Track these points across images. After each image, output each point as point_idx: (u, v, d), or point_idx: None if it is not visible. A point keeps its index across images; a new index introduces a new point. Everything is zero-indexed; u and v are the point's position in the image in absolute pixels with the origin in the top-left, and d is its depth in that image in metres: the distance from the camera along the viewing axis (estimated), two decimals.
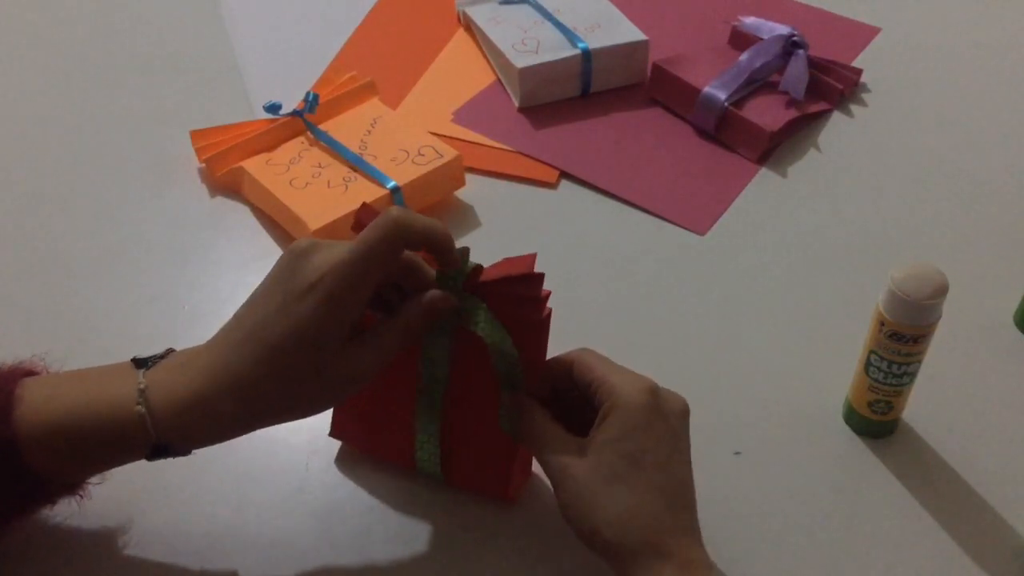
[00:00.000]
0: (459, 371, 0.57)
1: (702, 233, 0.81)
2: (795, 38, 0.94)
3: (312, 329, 0.48)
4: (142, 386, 0.50)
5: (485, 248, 0.78)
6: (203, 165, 0.84)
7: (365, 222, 0.51)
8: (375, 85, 0.90)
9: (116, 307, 0.74)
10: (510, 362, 0.54)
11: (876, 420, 0.63)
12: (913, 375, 0.61)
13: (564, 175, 0.87)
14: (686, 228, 0.81)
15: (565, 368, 0.55)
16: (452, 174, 0.82)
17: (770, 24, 0.97)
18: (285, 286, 0.49)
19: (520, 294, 0.53)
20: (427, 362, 0.57)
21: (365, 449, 0.63)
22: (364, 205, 0.55)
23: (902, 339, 0.58)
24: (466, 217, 0.82)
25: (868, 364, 0.61)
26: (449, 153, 0.82)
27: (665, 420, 0.51)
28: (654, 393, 0.52)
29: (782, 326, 0.72)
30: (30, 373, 0.54)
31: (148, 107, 0.94)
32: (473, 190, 0.84)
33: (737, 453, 0.63)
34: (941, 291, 0.56)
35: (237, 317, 0.51)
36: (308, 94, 0.85)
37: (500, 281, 0.53)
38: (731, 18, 1.00)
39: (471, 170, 0.85)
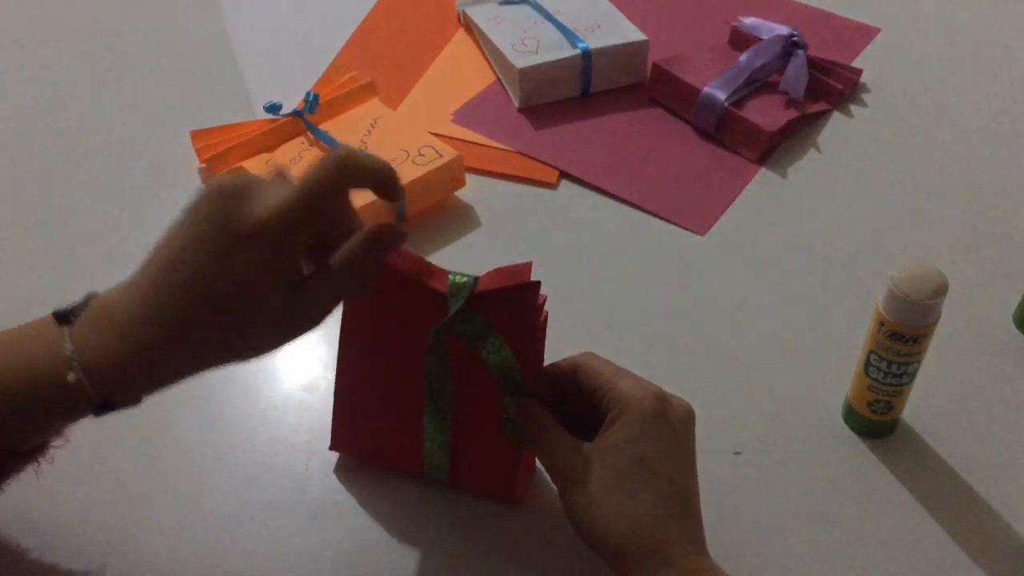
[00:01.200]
0: (463, 374, 0.57)
1: (702, 233, 0.81)
2: (795, 38, 0.94)
3: (255, 278, 0.46)
4: (69, 352, 0.46)
5: (485, 248, 0.79)
6: (203, 165, 0.84)
7: None
8: (375, 85, 0.90)
9: None
10: (510, 370, 0.55)
11: (876, 420, 0.63)
12: (913, 375, 0.61)
13: (564, 175, 0.87)
14: (686, 228, 0.81)
15: (569, 372, 0.54)
16: (452, 174, 0.82)
17: (770, 24, 0.97)
18: (222, 229, 0.46)
19: (518, 303, 0.53)
20: (434, 365, 0.56)
21: (368, 458, 0.62)
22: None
23: (902, 339, 0.58)
24: (466, 217, 0.82)
25: (868, 364, 0.61)
26: (449, 153, 0.82)
27: (672, 427, 0.51)
28: (661, 399, 0.51)
29: (782, 326, 0.72)
30: None
31: (148, 107, 0.94)
32: (473, 190, 0.84)
33: (737, 453, 0.63)
34: (941, 291, 0.56)
35: (166, 259, 0.48)
36: (308, 94, 0.85)
37: (498, 292, 0.53)
38: (731, 18, 1.00)
39: (471, 170, 0.85)
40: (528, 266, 0.53)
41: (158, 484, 0.61)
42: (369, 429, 0.61)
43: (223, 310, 0.46)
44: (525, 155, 0.88)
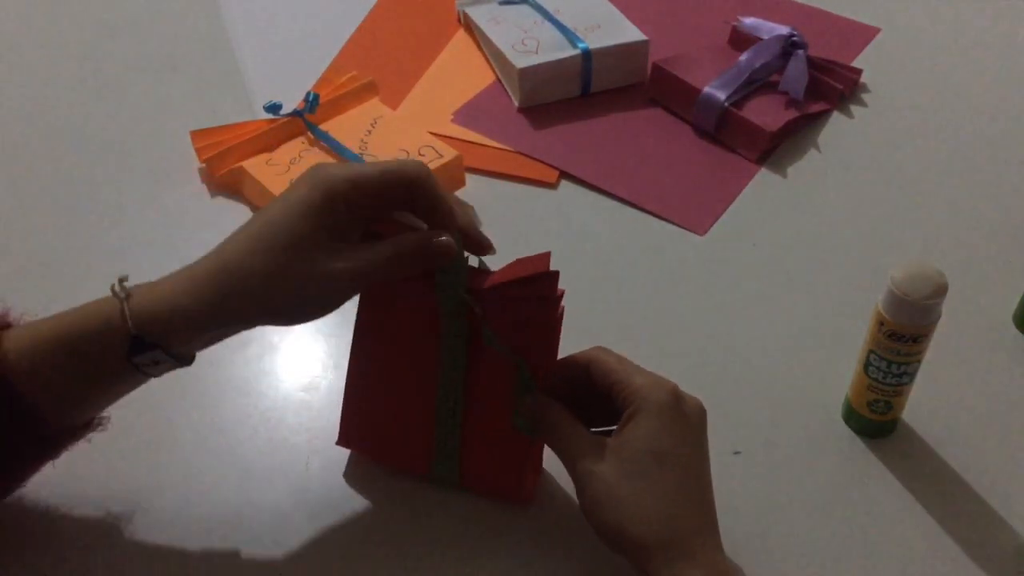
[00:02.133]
0: (472, 374, 0.57)
1: (702, 233, 0.81)
2: (795, 38, 0.94)
3: (293, 216, 0.49)
4: (117, 287, 0.51)
5: None
6: (203, 165, 0.84)
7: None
8: (375, 85, 0.90)
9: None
10: (513, 358, 0.55)
11: (876, 420, 0.63)
12: (912, 375, 0.61)
13: (564, 175, 0.87)
14: (686, 228, 0.81)
15: (582, 366, 0.55)
16: (452, 174, 0.82)
17: (770, 24, 0.97)
18: (296, 181, 0.51)
19: (535, 294, 0.53)
20: (446, 365, 0.56)
21: (375, 457, 0.62)
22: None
23: (902, 339, 0.58)
24: None
25: (868, 364, 0.61)
26: (449, 153, 0.82)
27: (687, 422, 0.52)
28: (677, 395, 0.52)
29: (782, 326, 0.72)
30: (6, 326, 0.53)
31: (148, 107, 0.94)
32: (473, 190, 0.84)
33: (737, 453, 0.63)
34: (941, 291, 0.56)
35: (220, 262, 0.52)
36: (308, 94, 0.85)
37: (514, 283, 0.53)
38: (731, 18, 1.00)
39: (471, 170, 0.85)
40: (547, 256, 0.53)
41: (156, 482, 0.61)
42: (378, 426, 0.61)
43: (263, 242, 0.50)
44: (525, 155, 0.88)
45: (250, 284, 0.50)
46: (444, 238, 0.52)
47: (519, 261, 0.54)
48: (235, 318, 0.52)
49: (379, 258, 0.52)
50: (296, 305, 0.52)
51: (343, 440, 0.62)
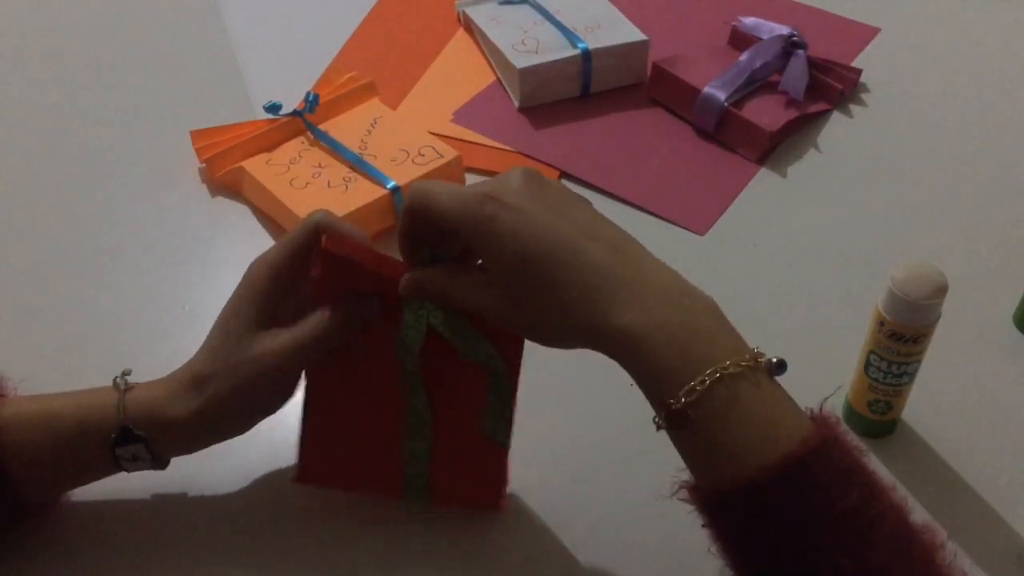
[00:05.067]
0: (438, 386, 0.56)
1: (702, 233, 0.81)
2: (795, 38, 0.94)
3: (228, 315, 0.55)
4: (119, 378, 0.55)
5: None
6: (203, 165, 0.84)
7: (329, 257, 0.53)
8: (375, 85, 0.90)
9: (116, 307, 0.74)
10: (488, 360, 0.54)
11: (876, 420, 0.63)
12: (912, 375, 0.61)
13: (564, 175, 0.87)
14: (686, 228, 0.81)
15: (411, 220, 0.51)
16: (452, 174, 0.82)
17: (770, 24, 0.97)
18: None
19: None
20: (410, 382, 0.55)
21: (342, 485, 0.60)
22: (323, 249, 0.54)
23: (902, 339, 0.58)
24: None
25: (868, 364, 0.61)
26: (449, 153, 0.82)
27: (519, 211, 0.47)
28: (482, 200, 0.48)
29: (782, 326, 0.72)
30: None
31: (148, 107, 0.94)
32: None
33: None
34: (941, 291, 0.56)
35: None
36: (308, 94, 0.85)
37: None
38: (731, 18, 1.00)
39: (471, 170, 0.85)
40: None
41: (156, 483, 0.61)
42: (343, 456, 0.59)
43: (218, 336, 0.55)
44: (525, 155, 0.88)
45: (212, 388, 0.54)
46: (368, 304, 0.54)
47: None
48: (214, 426, 0.55)
49: (306, 331, 0.54)
50: (247, 395, 0.54)
51: (303, 477, 0.59)
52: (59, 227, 0.81)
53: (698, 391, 0.44)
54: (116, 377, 0.55)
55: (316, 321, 0.54)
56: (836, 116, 0.93)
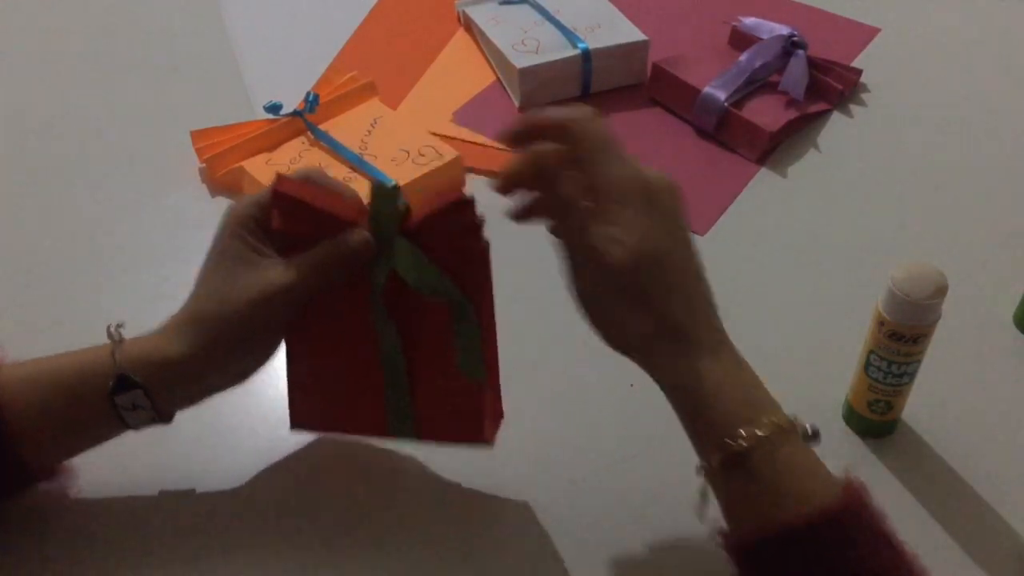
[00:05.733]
0: (412, 324, 0.56)
1: (702, 233, 0.81)
2: (795, 38, 0.94)
3: (215, 252, 0.55)
4: (113, 328, 0.55)
5: None
6: (203, 165, 0.84)
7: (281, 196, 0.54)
8: (375, 85, 0.90)
9: (116, 307, 0.74)
10: (448, 294, 0.54)
11: (876, 420, 0.63)
12: (913, 375, 0.61)
13: None
14: None
15: (557, 130, 0.54)
16: (452, 174, 0.82)
17: (770, 24, 0.97)
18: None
19: (455, 223, 0.53)
20: (379, 322, 0.56)
21: (332, 429, 0.62)
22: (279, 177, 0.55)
23: (902, 339, 0.58)
24: None
25: (868, 364, 0.61)
26: (449, 153, 0.82)
27: (676, 219, 0.53)
28: (672, 188, 0.54)
29: (782, 326, 0.72)
30: None
31: (148, 107, 0.94)
32: (473, 190, 0.83)
33: None
34: (941, 291, 0.56)
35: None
36: (308, 94, 0.85)
37: (432, 216, 0.53)
38: (731, 18, 1.00)
39: (471, 170, 0.85)
40: (458, 184, 0.53)
41: (156, 483, 0.61)
42: (327, 400, 0.60)
43: (210, 276, 0.55)
44: None
45: (208, 325, 0.54)
46: (355, 235, 0.54)
47: (434, 195, 0.54)
48: (211, 364, 0.55)
49: (301, 271, 0.54)
50: (243, 330, 0.54)
51: (296, 423, 0.61)
52: (59, 227, 0.81)
53: (759, 435, 0.47)
54: (109, 326, 0.55)
55: (310, 254, 0.54)
56: (836, 116, 0.93)
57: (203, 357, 0.54)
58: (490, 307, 0.56)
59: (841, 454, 0.64)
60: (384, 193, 0.53)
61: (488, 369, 0.57)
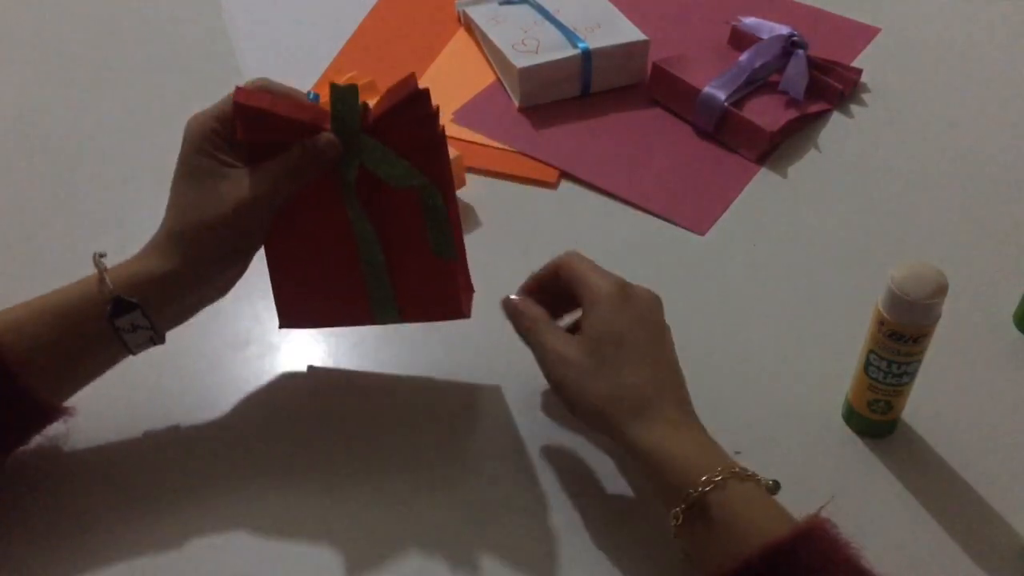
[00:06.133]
0: (385, 211, 0.58)
1: (702, 233, 0.81)
2: (795, 38, 0.94)
3: (188, 157, 0.58)
4: (96, 257, 0.57)
5: (485, 248, 0.79)
6: None
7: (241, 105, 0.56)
8: (375, 85, 0.90)
9: None
10: (416, 182, 0.57)
11: (876, 420, 0.63)
12: (913, 375, 0.61)
13: (564, 175, 0.87)
14: (686, 228, 0.81)
15: (553, 272, 0.62)
16: (452, 174, 0.82)
17: (770, 24, 0.97)
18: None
19: (412, 116, 0.55)
20: (354, 217, 0.58)
21: (318, 324, 0.66)
22: (238, 90, 0.57)
23: (902, 339, 0.58)
24: (466, 217, 0.82)
25: (868, 364, 0.61)
26: (449, 153, 0.82)
27: (636, 307, 0.58)
28: (622, 286, 0.59)
29: (782, 326, 0.72)
30: None
31: (148, 107, 0.94)
32: (473, 190, 0.84)
33: (737, 453, 0.63)
34: (941, 291, 0.56)
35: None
36: (308, 94, 0.85)
37: (390, 111, 0.55)
38: (731, 18, 1.00)
39: (471, 170, 0.85)
40: (412, 78, 0.56)
41: (157, 483, 0.61)
42: (312, 296, 0.63)
43: (188, 183, 0.58)
44: (525, 155, 0.88)
45: (188, 238, 0.56)
46: (322, 137, 0.56)
47: (388, 91, 0.56)
48: (196, 276, 0.57)
49: (274, 177, 0.57)
50: (221, 241, 0.57)
51: (284, 322, 0.64)
52: (59, 227, 0.81)
53: (714, 480, 0.51)
54: (95, 254, 0.57)
55: (280, 159, 0.57)
56: (836, 116, 0.93)
57: (188, 271, 0.56)
58: (452, 190, 0.59)
59: (841, 454, 0.64)
60: (344, 94, 0.56)
61: (456, 248, 0.61)
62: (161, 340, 0.58)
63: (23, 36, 1.05)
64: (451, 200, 0.60)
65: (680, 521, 0.52)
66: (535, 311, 0.61)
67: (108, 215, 0.82)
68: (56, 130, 0.92)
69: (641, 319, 0.58)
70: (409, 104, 0.55)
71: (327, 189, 0.58)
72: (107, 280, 0.55)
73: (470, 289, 0.65)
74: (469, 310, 0.64)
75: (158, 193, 0.83)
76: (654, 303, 0.60)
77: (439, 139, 0.57)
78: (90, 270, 0.77)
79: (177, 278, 0.56)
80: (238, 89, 0.56)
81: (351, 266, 0.61)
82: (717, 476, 0.51)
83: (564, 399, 0.58)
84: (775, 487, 0.54)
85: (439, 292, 0.62)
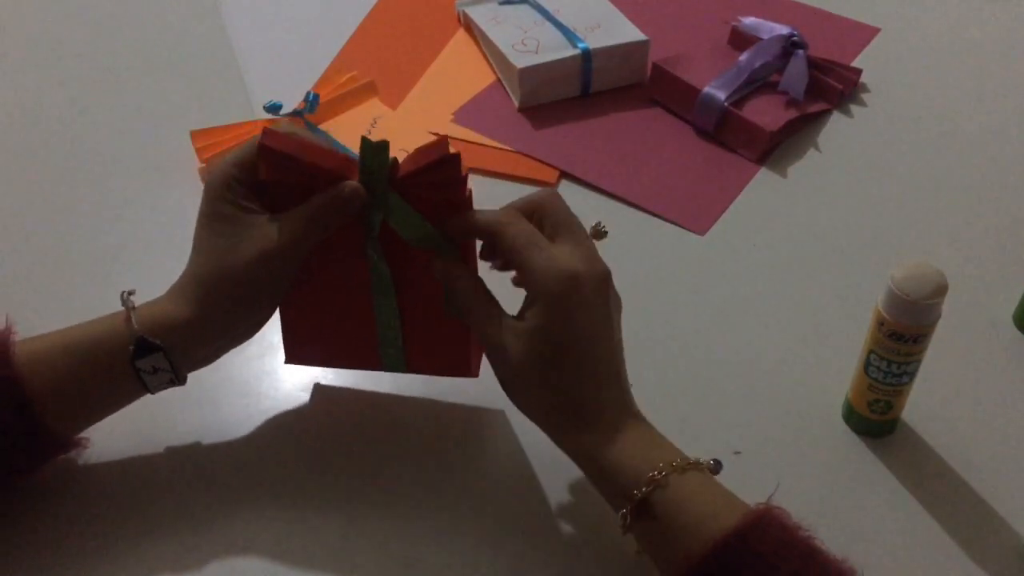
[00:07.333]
0: (403, 262, 0.58)
1: (702, 233, 0.81)
2: (795, 38, 0.94)
3: (211, 205, 0.56)
4: (125, 296, 0.57)
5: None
6: (203, 165, 0.84)
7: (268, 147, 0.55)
8: (375, 85, 0.90)
9: (116, 306, 0.74)
10: (437, 244, 0.56)
11: (876, 420, 0.63)
12: (912, 375, 0.61)
13: (564, 175, 0.87)
14: (686, 228, 0.81)
15: (487, 234, 0.56)
16: None
17: (770, 24, 0.97)
18: None
19: (440, 178, 0.55)
20: (372, 261, 0.58)
21: (325, 363, 0.66)
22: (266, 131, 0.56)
23: (902, 339, 0.58)
24: None
25: (868, 364, 0.61)
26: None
27: (587, 309, 0.53)
28: (574, 280, 0.53)
29: (782, 326, 0.72)
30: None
31: (148, 107, 0.94)
32: (473, 190, 0.83)
33: (737, 453, 0.63)
34: (941, 291, 0.56)
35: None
36: (308, 94, 0.85)
37: (418, 171, 0.55)
38: (731, 18, 1.00)
39: (471, 170, 0.85)
40: (444, 140, 0.55)
41: (157, 483, 0.61)
42: (320, 337, 0.63)
43: (209, 238, 0.56)
44: (525, 155, 0.88)
45: (210, 284, 0.56)
46: (348, 185, 0.55)
47: (419, 151, 0.55)
48: (217, 324, 0.57)
49: (296, 227, 0.55)
50: (243, 289, 0.56)
51: (290, 359, 0.64)
52: (59, 227, 0.81)
53: (655, 477, 0.50)
54: (123, 293, 0.56)
55: (304, 207, 0.56)
56: (836, 116, 0.93)
57: (209, 318, 0.56)
58: (473, 251, 0.58)
59: (841, 454, 0.64)
60: (374, 148, 0.55)
61: None
62: (182, 382, 0.58)
63: (23, 36, 1.05)
64: (472, 261, 0.58)
65: (628, 523, 0.51)
66: (470, 287, 0.56)
67: (108, 216, 0.82)
68: (56, 130, 0.91)
69: (587, 319, 0.54)
70: (438, 166, 0.54)
71: (347, 236, 0.57)
72: (133, 320, 0.55)
73: (481, 348, 0.63)
74: (478, 370, 0.63)
75: (157, 194, 0.84)
76: (602, 287, 0.55)
77: (465, 203, 0.56)
78: (89, 273, 0.77)
79: (202, 324, 0.56)
80: (267, 131, 0.55)
81: (364, 313, 0.60)
82: (658, 474, 0.50)
83: (503, 389, 0.56)
84: (716, 466, 0.53)
85: (450, 349, 0.62)
